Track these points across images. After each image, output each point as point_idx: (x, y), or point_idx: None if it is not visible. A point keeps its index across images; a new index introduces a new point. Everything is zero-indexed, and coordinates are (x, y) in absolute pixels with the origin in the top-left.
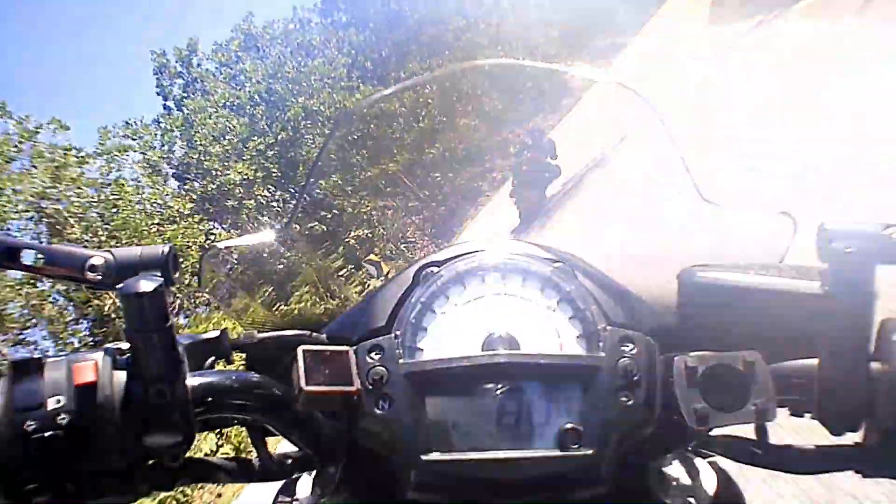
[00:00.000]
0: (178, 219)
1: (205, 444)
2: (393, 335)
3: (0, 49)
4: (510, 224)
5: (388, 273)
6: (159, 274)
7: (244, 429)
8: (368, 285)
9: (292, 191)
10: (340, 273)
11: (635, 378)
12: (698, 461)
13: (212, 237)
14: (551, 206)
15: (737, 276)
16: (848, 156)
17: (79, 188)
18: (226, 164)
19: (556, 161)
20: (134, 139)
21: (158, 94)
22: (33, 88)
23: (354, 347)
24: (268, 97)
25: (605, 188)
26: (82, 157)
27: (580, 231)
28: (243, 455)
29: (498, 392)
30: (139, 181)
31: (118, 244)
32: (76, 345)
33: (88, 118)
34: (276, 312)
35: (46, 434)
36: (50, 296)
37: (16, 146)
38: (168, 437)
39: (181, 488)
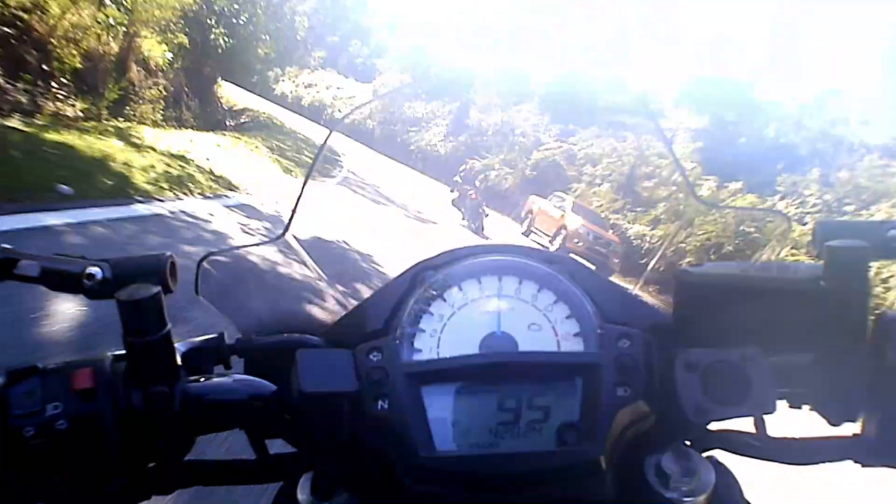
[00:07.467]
0: None
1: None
2: (391, 336)
3: None
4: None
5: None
6: (157, 282)
7: (243, 431)
8: None
9: None
10: None
11: (633, 372)
12: (696, 455)
13: None
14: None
15: (733, 273)
16: None
17: None
18: None
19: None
20: None
21: None
22: None
23: (353, 349)
24: None
25: None
26: None
27: None
28: (242, 458)
29: (496, 390)
30: None
31: None
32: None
33: None
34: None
35: (45, 440)
36: None
37: None
38: (167, 441)
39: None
